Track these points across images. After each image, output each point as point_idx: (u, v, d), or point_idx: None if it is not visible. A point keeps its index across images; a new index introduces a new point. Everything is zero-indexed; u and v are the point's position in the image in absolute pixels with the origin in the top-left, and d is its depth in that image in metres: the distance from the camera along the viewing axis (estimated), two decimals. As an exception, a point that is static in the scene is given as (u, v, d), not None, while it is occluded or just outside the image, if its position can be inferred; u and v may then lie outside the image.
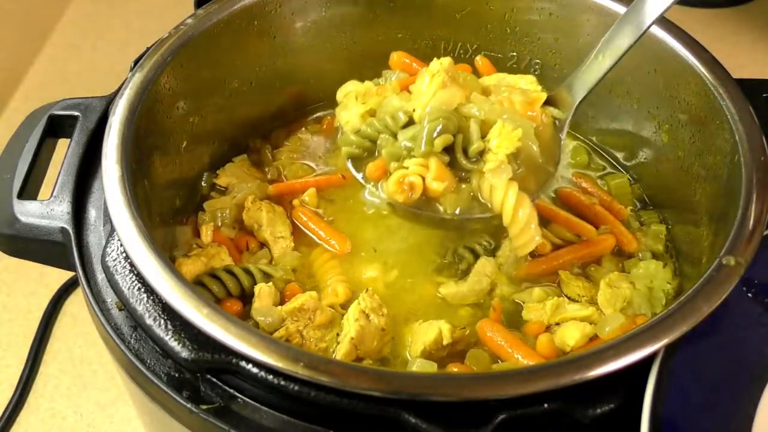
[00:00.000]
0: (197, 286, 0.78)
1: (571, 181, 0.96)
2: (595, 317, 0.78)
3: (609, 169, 0.98)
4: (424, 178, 0.74)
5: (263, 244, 0.87)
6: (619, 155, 0.97)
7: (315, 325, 0.75)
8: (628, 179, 0.95)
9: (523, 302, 0.82)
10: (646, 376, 0.59)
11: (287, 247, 0.85)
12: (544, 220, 0.89)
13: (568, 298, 0.81)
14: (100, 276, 0.72)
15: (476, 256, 0.84)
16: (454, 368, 0.75)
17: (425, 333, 0.75)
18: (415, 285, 0.83)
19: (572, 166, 0.98)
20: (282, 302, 0.79)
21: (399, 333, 0.79)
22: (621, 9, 0.87)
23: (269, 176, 0.94)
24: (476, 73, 0.89)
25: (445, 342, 0.74)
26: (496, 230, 0.87)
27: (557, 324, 0.79)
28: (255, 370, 0.58)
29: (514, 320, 0.81)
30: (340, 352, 0.73)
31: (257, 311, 0.76)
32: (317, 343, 0.75)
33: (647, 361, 0.58)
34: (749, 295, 0.65)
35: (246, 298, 0.80)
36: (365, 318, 0.75)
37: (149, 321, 0.63)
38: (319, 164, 0.97)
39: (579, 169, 0.98)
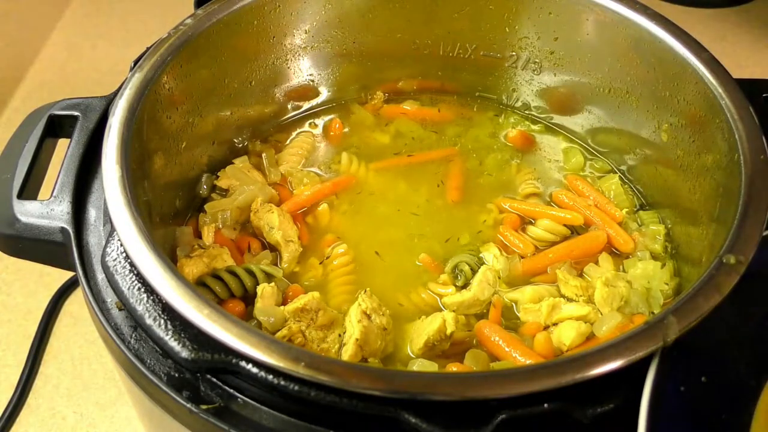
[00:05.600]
0: (200, 286, 0.78)
1: (566, 184, 0.95)
2: (591, 316, 0.78)
3: (606, 170, 0.98)
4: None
5: (265, 246, 0.87)
6: (618, 155, 0.97)
7: (317, 325, 0.75)
8: (621, 179, 0.95)
9: (515, 302, 0.82)
10: (645, 375, 0.59)
11: (296, 251, 0.85)
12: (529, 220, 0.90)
13: (566, 298, 0.81)
14: (100, 276, 0.72)
15: (473, 272, 0.84)
16: (453, 368, 0.75)
17: (429, 324, 0.76)
18: (416, 291, 0.83)
19: (567, 169, 0.98)
20: (284, 302, 0.79)
21: (400, 332, 0.79)
22: (621, 9, 0.88)
23: (271, 178, 0.94)
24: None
25: (448, 330, 0.74)
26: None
27: (554, 324, 0.79)
28: (255, 370, 0.58)
29: (511, 322, 0.81)
30: (347, 353, 0.73)
31: (260, 311, 0.76)
32: (319, 343, 0.75)
33: (647, 360, 0.59)
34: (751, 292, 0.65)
35: (248, 299, 0.80)
36: (367, 318, 0.75)
37: (149, 321, 0.63)
38: (323, 169, 0.97)
39: (574, 171, 0.98)
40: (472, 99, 1.07)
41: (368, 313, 0.75)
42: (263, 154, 0.97)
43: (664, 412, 0.56)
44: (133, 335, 0.68)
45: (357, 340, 0.73)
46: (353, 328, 0.74)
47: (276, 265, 0.85)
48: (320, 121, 1.04)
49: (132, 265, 0.65)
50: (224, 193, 0.91)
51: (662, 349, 0.58)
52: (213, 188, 0.92)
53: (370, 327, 0.74)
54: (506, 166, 0.98)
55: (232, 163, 0.94)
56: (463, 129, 1.03)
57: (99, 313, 0.69)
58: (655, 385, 0.56)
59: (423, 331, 0.76)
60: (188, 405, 0.61)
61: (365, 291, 0.78)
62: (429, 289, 0.83)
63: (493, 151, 1.00)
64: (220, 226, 0.87)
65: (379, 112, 1.05)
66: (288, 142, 1.00)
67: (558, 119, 1.03)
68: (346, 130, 1.02)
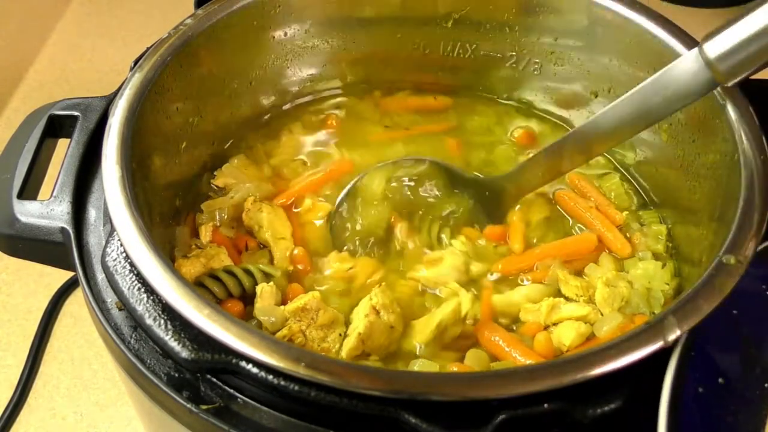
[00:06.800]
0: (197, 287, 0.78)
1: (568, 183, 0.95)
2: (591, 317, 0.78)
3: (606, 169, 0.98)
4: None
5: (262, 245, 0.87)
6: (619, 155, 0.97)
7: (318, 324, 0.75)
8: (621, 178, 0.95)
9: (510, 302, 0.82)
10: (646, 375, 0.59)
11: (287, 248, 0.85)
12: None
13: (566, 298, 0.81)
14: (100, 276, 0.72)
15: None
16: (453, 368, 0.75)
17: (443, 308, 0.77)
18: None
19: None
20: (284, 302, 0.79)
21: (406, 329, 0.79)
22: (621, 9, 0.87)
23: (266, 173, 0.94)
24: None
25: (463, 311, 0.76)
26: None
27: (554, 325, 0.79)
28: (255, 370, 0.58)
29: (510, 322, 0.81)
30: (347, 346, 0.73)
31: (260, 311, 0.76)
32: (320, 343, 0.75)
33: (647, 360, 0.59)
34: None
35: (247, 298, 0.80)
36: (375, 314, 0.75)
37: (149, 321, 0.63)
38: (320, 165, 0.97)
39: (577, 169, 0.97)
40: (473, 99, 1.07)
41: (378, 309, 0.75)
42: (261, 152, 0.97)
43: (683, 412, 0.56)
44: (133, 335, 0.68)
45: (360, 334, 0.73)
46: (359, 321, 0.74)
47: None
48: (320, 118, 1.03)
49: (132, 265, 0.65)
50: (222, 191, 0.91)
51: (681, 351, 0.58)
52: (211, 187, 0.92)
53: (377, 323, 0.74)
54: (512, 163, 0.97)
55: (230, 162, 0.94)
56: (465, 128, 1.03)
57: (99, 313, 0.69)
58: (674, 385, 0.56)
59: (435, 316, 0.76)
60: (188, 405, 0.61)
61: (379, 285, 0.78)
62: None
63: (496, 151, 1.00)
64: (218, 224, 0.87)
65: (378, 108, 1.05)
66: (287, 140, 1.00)
67: (558, 119, 1.03)
68: (345, 126, 1.02)
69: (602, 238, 0.88)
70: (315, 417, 0.60)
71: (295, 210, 0.90)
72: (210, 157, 0.93)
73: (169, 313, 0.63)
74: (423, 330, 0.77)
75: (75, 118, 0.84)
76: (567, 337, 0.76)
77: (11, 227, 0.75)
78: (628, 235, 0.89)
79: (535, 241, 0.88)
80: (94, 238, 0.75)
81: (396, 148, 0.98)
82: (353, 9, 0.97)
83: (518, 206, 0.90)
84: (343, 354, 0.74)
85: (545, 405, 0.56)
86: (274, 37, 0.94)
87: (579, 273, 0.85)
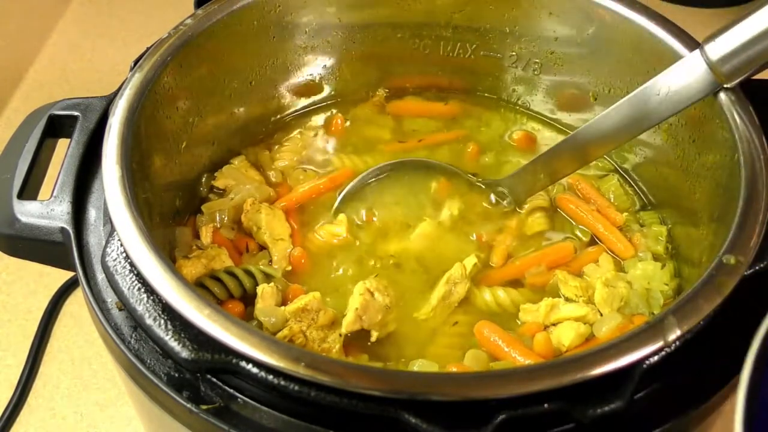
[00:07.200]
0: (198, 288, 0.78)
1: (569, 185, 0.95)
2: (590, 317, 0.78)
3: (606, 170, 0.97)
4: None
5: (263, 246, 0.87)
6: (619, 155, 0.97)
7: (318, 325, 0.75)
8: (621, 179, 0.95)
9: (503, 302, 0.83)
10: (646, 375, 0.59)
11: (286, 249, 0.85)
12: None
13: (565, 298, 0.81)
14: (100, 276, 0.72)
15: None
16: (453, 368, 0.75)
17: (450, 271, 0.81)
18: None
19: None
20: (285, 303, 0.79)
21: (407, 323, 0.80)
22: (621, 9, 0.88)
23: (271, 177, 0.94)
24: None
25: (468, 268, 0.81)
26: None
27: (553, 325, 0.79)
28: (255, 370, 0.58)
29: (510, 323, 0.81)
30: (346, 322, 0.76)
31: (261, 311, 0.76)
32: (320, 343, 0.75)
33: (647, 361, 0.59)
34: None
35: (247, 299, 0.80)
36: (369, 294, 0.77)
37: (149, 321, 0.63)
38: (322, 166, 0.96)
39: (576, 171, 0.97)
40: (473, 99, 1.07)
41: (371, 291, 0.77)
42: (262, 153, 0.97)
43: (760, 413, 0.55)
44: (133, 335, 0.68)
45: (357, 309, 0.75)
46: (354, 300, 0.76)
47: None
48: (320, 119, 1.04)
49: (132, 265, 0.65)
50: (222, 192, 0.91)
51: (757, 352, 0.57)
52: (211, 188, 0.92)
53: (372, 302, 0.76)
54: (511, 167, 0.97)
55: (231, 163, 0.94)
56: (468, 131, 1.03)
57: (99, 313, 0.69)
58: (749, 387, 0.56)
59: (441, 280, 0.80)
60: (188, 405, 0.61)
61: (375, 276, 0.79)
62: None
63: (498, 152, 1.00)
64: (218, 226, 0.87)
65: (381, 108, 1.05)
66: (287, 140, 1.00)
67: (558, 119, 1.03)
68: (348, 124, 1.02)
69: (604, 240, 0.88)
70: (315, 417, 0.60)
71: (317, 237, 0.89)
72: (210, 158, 0.93)
73: (169, 313, 0.63)
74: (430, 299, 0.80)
75: (75, 118, 0.84)
76: (566, 337, 0.76)
77: (11, 227, 0.75)
78: (628, 236, 0.88)
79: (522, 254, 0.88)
80: (94, 238, 0.75)
81: (406, 156, 0.98)
82: (352, 9, 0.97)
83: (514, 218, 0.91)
84: (343, 330, 0.75)
85: (545, 405, 0.56)
86: (274, 37, 0.94)
87: (578, 273, 0.85)
